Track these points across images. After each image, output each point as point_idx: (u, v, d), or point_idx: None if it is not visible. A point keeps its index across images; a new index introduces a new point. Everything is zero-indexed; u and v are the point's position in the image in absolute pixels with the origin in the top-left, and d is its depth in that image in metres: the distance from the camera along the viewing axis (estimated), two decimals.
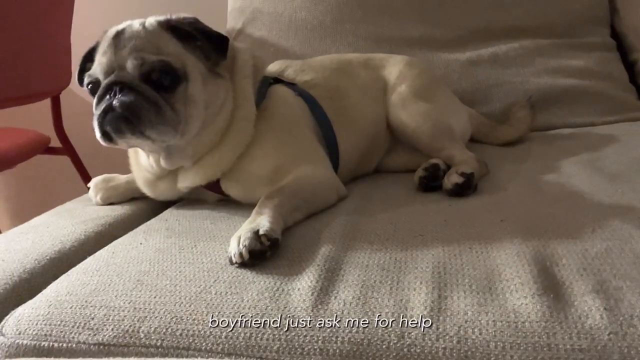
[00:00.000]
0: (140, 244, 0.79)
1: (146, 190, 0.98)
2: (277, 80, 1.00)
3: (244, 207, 0.91)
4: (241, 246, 0.66)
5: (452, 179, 0.90)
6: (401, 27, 1.48)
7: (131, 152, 0.99)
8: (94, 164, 1.83)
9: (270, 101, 0.94)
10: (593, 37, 1.47)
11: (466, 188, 0.89)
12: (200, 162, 0.88)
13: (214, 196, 0.97)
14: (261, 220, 0.71)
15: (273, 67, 1.09)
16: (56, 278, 0.72)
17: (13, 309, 0.66)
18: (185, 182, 0.91)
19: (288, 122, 0.95)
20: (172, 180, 0.93)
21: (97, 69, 0.82)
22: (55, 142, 1.75)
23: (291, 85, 1.01)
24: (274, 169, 0.88)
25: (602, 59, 1.44)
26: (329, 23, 1.52)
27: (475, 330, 0.52)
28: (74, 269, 0.74)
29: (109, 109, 0.77)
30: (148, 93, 0.78)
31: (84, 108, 2.06)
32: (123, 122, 0.77)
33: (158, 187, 0.96)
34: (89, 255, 0.78)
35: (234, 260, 0.66)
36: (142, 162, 0.94)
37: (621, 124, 1.30)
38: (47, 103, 1.72)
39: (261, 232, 0.67)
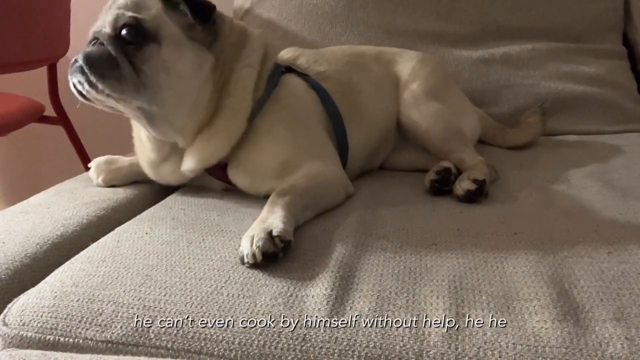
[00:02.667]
0: (146, 233, 0.77)
1: (149, 172, 0.95)
2: (289, 69, 0.98)
3: (250, 198, 0.90)
4: (254, 247, 0.64)
5: (463, 185, 0.89)
6: (414, 20, 1.46)
7: (135, 130, 0.96)
8: (89, 137, 1.79)
9: (282, 91, 0.92)
10: (605, 44, 1.46)
11: (478, 195, 0.88)
12: (195, 144, 0.86)
13: (219, 185, 0.95)
14: (274, 220, 0.69)
15: (285, 55, 1.06)
16: (58, 264, 0.71)
17: (15, 296, 0.64)
18: (185, 164, 0.89)
19: (300, 115, 0.93)
20: (175, 163, 0.90)
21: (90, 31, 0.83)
22: (50, 112, 1.70)
23: (304, 76, 0.99)
24: (283, 163, 0.86)
25: (613, 67, 1.43)
26: (340, 10, 1.49)
27: (495, 352, 0.51)
28: (77, 256, 0.72)
29: (75, 61, 0.79)
30: (112, 48, 0.78)
31: None
32: (79, 72, 0.78)
33: (161, 169, 0.93)
34: (92, 240, 0.77)
35: (245, 260, 0.65)
36: (142, 137, 0.92)
37: (628, 135, 1.30)
38: (43, 71, 1.67)
39: (275, 234, 0.66)
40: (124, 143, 1.17)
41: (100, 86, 0.77)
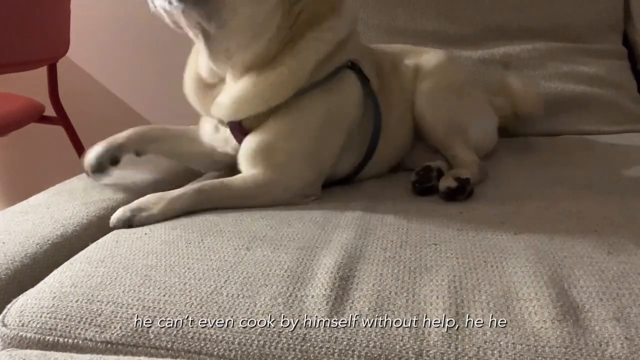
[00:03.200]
0: (145, 234, 0.77)
1: (193, 96, 0.96)
2: (354, 66, 0.96)
3: None
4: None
5: (445, 183, 0.89)
6: (414, 20, 1.46)
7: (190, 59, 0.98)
8: (89, 137, 1.79)
9: (340, 84, 0.91)
10: (605, 44, 1.46)
11: (459, 193, 0.88)
12: (239, 82, 0.87)
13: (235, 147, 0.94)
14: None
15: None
16: (58, 264, 0.70)
17: (15, 297, 0.64)
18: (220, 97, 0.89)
19: (335, 117, 0.92)
20: (219, 95, 0.91)
21: None
22: (50, 112, 1.71)
23: (366, 80, 0.96)
24: (271, 144, 0.87)
25: (613, 67, 1.43)
26: None
27: (495, 352, 0.51)
28: (76, 256, 0.72)
29: None
30: None
31: (81, 78, 2.02)
32: None
33: (206, 97, 0.93)
34: (92, 241, 0.77)
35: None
36: (198, 61, 0.94)
37: (628, 135, 1.30)
38: (43, 71, 1.67)
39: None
40: None
41: None
